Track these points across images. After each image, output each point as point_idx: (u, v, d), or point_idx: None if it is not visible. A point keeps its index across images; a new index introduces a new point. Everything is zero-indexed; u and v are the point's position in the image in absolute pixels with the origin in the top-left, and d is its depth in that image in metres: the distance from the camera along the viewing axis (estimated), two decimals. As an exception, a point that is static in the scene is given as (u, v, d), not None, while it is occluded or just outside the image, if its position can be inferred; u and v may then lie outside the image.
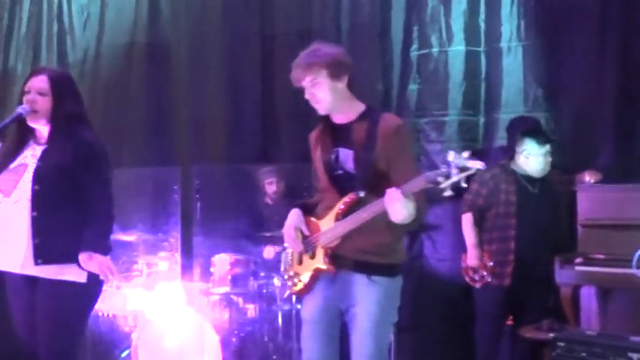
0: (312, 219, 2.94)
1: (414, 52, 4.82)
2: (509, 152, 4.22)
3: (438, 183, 2.49)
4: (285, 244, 3.04)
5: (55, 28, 6.10)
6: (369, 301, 2.77)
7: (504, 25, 4.60)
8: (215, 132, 5.44)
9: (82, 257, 2.89)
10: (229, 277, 4.75)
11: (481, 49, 4.69)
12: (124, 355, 4.66)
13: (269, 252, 4.93)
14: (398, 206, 2.56)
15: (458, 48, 4.70)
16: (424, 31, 4.76)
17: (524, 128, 4.25)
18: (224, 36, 5.46)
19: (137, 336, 4.46)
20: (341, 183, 2.84)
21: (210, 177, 5.18)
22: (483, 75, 4.69)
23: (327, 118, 2.94)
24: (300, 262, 2.96)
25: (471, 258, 4.18)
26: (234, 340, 4.55)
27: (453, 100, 4.71)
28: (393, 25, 4.92)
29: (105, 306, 4.76)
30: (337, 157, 2.88)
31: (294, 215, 2.95)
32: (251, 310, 4.72)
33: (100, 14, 5.94)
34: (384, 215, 2.63)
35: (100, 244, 2.97)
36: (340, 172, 2.86)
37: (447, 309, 4.60)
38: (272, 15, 5.35)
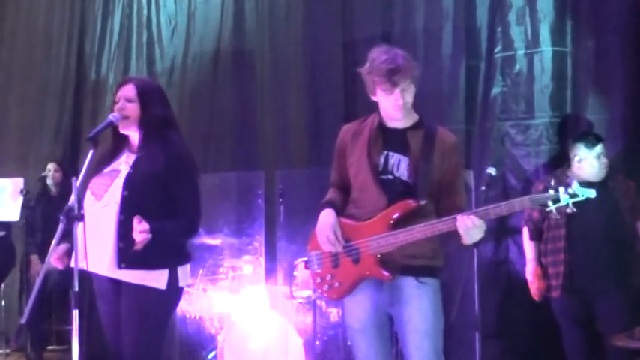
0: (348, 220, 2.91)
1: (498, 54, 4.73)
2: (564, 158, 4.13)
3: (546, 206, 2.59)
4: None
5: (145, 37, 6.30)
6: (422, 302, 2.80)
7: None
8: (298, 137, 5.49)
9: (136, 219, 2.87)
10: (312, 280, 4.78)
11: (568, 49, 4.57)
12: (210, 356, 4.77)
13: None
14: (476, 232, 2.65)
15: (544, 49, 4.59)
16: (508, 32, 4.67)
17: (574, 133, 4.15)
18: (306, 43, 5.51)
19: (223, 338, 4.55)
20: (390, 188, 2.83)
21: (293, 181, 5.23)
22: (570, 76, 4.57)
23: (379, 120, 2.95)
24: (337, 266, 2.92)
25: (528, 272, 4.19)
26: (317, 343, 4.57)
27: (539, 103, 4.59)
28: (476, 27, 4.84)
29: (192, 308, 4.88)
30: (386, 161, 2.87)
31: (330, 216, 2.92)
32: (334, 313, 4.74)
33: (187, 23, 6.11)
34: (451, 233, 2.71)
35: (162, 232, 2.95)
36: (390, 177, 2.85)
37: (534, 315, 4.47)
38: (353, 20, 5.36)
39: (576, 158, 3.95)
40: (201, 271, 5.06)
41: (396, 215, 2.79)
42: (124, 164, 3.10)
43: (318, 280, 3.01)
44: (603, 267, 3.88)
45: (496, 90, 4.71)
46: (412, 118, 2.93)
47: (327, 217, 2.92)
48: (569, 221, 3.91)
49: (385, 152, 2.88)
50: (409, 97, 2.85)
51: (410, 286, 2.81)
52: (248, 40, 5.83)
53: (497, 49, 4.73)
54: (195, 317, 4.96)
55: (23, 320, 2.64)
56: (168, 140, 3.09)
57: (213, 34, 5.94)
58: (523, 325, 4.55)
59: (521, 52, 4.64)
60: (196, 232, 3.20)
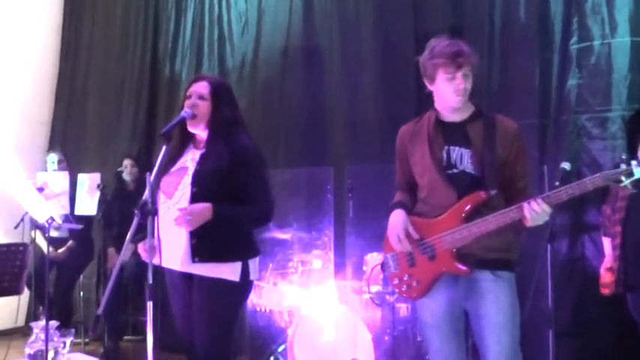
0: (419, 219, 2.90)
1: (573, 45, 4.59)
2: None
3: (620, 181, 2.54)
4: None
5: (216, 35, 6.40)
6: (498, 297, 2.77)
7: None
8: (368, 132, 5.46)
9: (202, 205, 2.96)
10: (381, 275, 4.76)
11: (648, 39, 4.39)
12: (280, 349, 4.81)
13: None
14: (541, 217, 2.63)
15: (622, 39, 4.42)
16: (585, 22, 4.52)
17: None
18: (376, 36, 5.47)
19: (292, 332, 4.58)
20: (457, 182, 2.80)
21: (362, 176, 5.21)
22: (651, 67, 4.39)
23: (436, 116, 2.93)
24: (413, 265, 2.91)
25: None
26: (386, 338, 4.55)
27: (617, 95, 4.43)
28: (551, 17, 4.71)
29: (262, 301, 4.93)
30: (449, 156, 2.85)
31: (400, 216, 2.92)
32: (403, 309, 4.71)
33: (257, 20, 6.16)
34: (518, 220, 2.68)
35: (228, 214, 3.02)
36: (455, 170, 2.82)
37: (610, 313, 4.33)
38: (424, 13, 5.29)
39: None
40: (271, 265, 5.11)
41: (467, 208, 2.77)
42: (190, 161, 3.15)
43: (396, 281, 3.00)
44: None
45: (572, 82, 4.57)
46: (469, 109, 2.91)
47: (397, 217, 2.93)
48: (626, 218, 3.84)
49: (446, 147, 2.86)
50: (469, 84, 2.83)
51: (485, 280, 2.78)
52: (317, 35, 5.83)
53: (573, 39, 4.58)
54: (265, 311, 5.01)
55: (100, 311, 2.72)
56: (234, 137, 3.13)
57: (282, 30, 5.98)
58: (599, 324, 4.41)
59: (597, 43, 4.47)
60: (269, 220, 3.24)
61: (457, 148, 2.84)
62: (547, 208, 2.61)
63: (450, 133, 2.88)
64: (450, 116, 2.91)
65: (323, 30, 5.80)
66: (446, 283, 2.85)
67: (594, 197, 4.25)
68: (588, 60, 4.52)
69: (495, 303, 2.76)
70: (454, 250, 2.79)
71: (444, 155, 2.86)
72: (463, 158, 2.82)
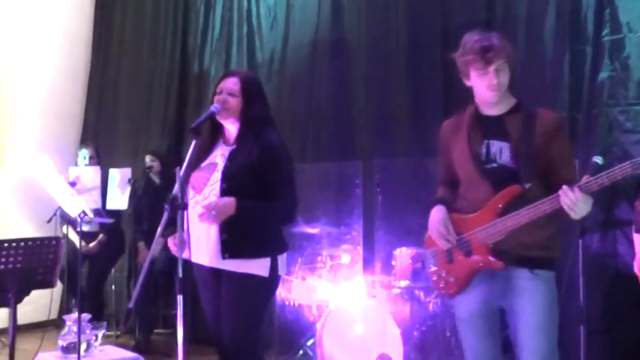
0: (458, 215, 2.87)
1: (605, 38, 4.52)
2: None
3: None
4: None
5: (245, 30, 6.41)
6: (535, 296, 2.71)
7: None
8: (396, 126, 5.44)
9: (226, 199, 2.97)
10: (410, 270, 4.75)
11: (682, 31, 4.31)
12: (309, 343, 4.82)
13: None
14: (581, 207, 2.53)
15: (656, 31, 4.35)
16: (617, 14, 4.45)
17: None
18: (405, 30, 5.44)
19: (321, 326, 4.59)
20: (494, 176, 2.76)
21: (391, 171, 5.20)
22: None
23: (475, 109, 2.90)
24: (451, 261, 2.89)
25: (635, 266, 3.99)
26: (415, 333, 4.54)
27: (652, 88, 4.37)
28: (582, 9, 4.64)
29: (291, 296, 4.95)
30: (488, 150, 2.80)
31: (440, 212, 2.90)
32: (432, 304, 4.69)
33: (285, 14, 6.16)
34: (557, 211, 2.59)
35: (252, 210, 3.03)
36: (494, 165, 2.77)
37: (644, 311, 4.29)
38: (453, 6, 5.25)
39: None
40: (300, 259, 5.12)
41: (503, 202, 2.72)
42: (219, 157, 3.17)
43: (435, 277, 2.99)
44: None
45: (603, 75, 4.50)
46: (509, 103, 2.86)
47: (436, 213, 2.91)
48: None
49: (486, 141, 2.82)
50: (504, 78, 2.78)
51: (523, 278, 2.73)
52: (345, 29, 5.82)
53: (605, 32, 4.51)
54: (294, 305, 5.03)
55: (131, 304, 2.74)
56: (263, 134, 3.13)
57: (311, 24, 5.97)
58: (631, 320, 4.35)
59: (631, 35, 4.41)
60: (293, 219, 3.24)
61: (497, 142, 2.79)
62: (582, 197, 2.53)
63: (489, 126, 2.84)
64: (489, 110, 2.86)
65: (351, 24, 5.78)
66: (483, 279, 2.82)
67: (627, 192, 4.19)
68: (621, 52, 4.44)
69: (531, 302, 2.71)
70: (490, 244, 2.75)
71: (484, 150, 2.81)
72: (503, 152, 2.77)
